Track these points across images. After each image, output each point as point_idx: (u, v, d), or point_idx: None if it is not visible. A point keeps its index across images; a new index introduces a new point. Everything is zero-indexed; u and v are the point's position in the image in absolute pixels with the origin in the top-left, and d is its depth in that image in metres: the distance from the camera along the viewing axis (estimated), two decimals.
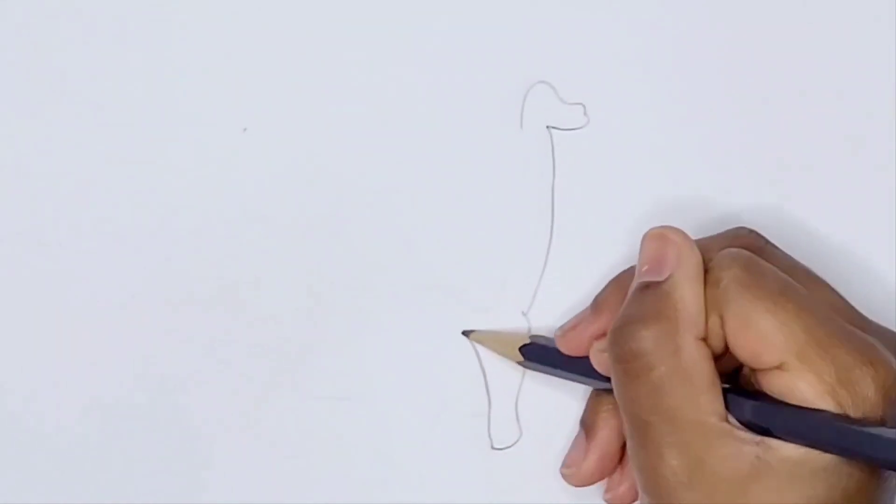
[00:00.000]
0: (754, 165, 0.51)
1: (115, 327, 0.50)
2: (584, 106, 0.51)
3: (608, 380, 0.46)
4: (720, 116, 0.51)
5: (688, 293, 0.45)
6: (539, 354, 0.49)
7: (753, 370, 0.45)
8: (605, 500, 0.49)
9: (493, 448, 0.50)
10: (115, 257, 0.50)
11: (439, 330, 0.50)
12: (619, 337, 0.45)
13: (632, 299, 0.45)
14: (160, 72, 0.50)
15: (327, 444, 0.50)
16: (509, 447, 0.50)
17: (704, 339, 0.45)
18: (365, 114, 0.50)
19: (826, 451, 0.43)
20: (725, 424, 0.44)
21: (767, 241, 0.48)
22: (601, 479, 0.49)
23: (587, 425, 0.49)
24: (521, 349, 0.49)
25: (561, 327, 0.48)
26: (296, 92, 0.50)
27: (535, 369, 0.49)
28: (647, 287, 0.45)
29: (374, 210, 0.50)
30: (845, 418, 0.43)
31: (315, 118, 0.50)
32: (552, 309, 0.50)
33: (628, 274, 0.47)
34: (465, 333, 0.50)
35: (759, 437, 0.43)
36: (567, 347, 0.48)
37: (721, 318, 0.44)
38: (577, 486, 0.49)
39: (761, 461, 0.43)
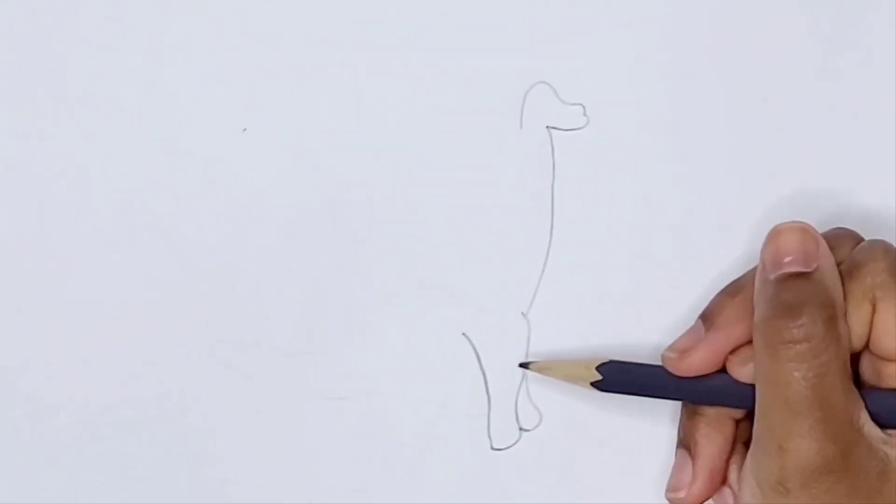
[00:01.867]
0: (754, 165, 0.51)
1: (115, 327, 0.50)
2: (583, 106, 0.50)
3: (718, 397, 0.46)
4: (720, 116, 0.51)
5: (836, 284, 0.45)
6: (619, 375, 0.48)
7: (879, 360, 0.45)
8: (674, 501, 0.48)
9: (493, 448, 0.50)
10: (115, 257, 0.50)
11: (439, 330, 0.50)
12: (783, 322, 0.44)
13: (780, 287, 0.45)
14: (160, 72, 0.50)
15: (327, 444, 0.50)
16: (509, 447, 0.50)
17: None
18: (365, 114, 0.50)
19: None
20: (867, 416, 0.44)
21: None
22: (709, 497, 0.48)
23: (689, 445, 0.48)
24: (598, 369, 0.48)
25: (672, 349, 0.47)
26: (296, 92, 0.50)
27: (611, 391, 0.48)
28: (795, 277, 0.45)
29: (374, 210, 0.50)
30: None
31: (315, 118, 0.50)
32: (552, 309, 0.50)
33: (738, 286, 0.47)
34: (524, 366, 0.50)
35: (886, 435, 0.44)
36: (683, 370, 0.47)
37: (873, 307, 0.45)
38: None
39: (890, 458, 0.44)
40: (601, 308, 0.50)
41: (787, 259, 0.45)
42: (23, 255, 0.50)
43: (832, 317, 0.44)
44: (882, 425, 0.45)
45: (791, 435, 0.44)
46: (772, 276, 0.45)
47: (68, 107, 0.50)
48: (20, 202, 0.50)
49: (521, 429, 0.50)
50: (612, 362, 0.48)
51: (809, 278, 0.45)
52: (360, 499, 0.50)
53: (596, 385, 0.48)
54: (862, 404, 0.45)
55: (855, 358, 0.46)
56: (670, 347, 0.47)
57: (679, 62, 0.51)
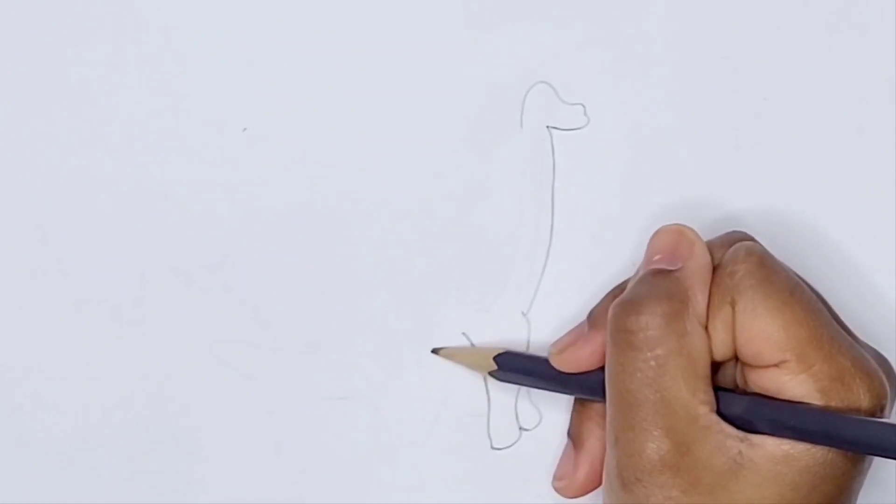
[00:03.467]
0: (755, 166, 0.51)
1: (114, 327, 0.50)
2: (584, 106, 0.50)
3: (595, 392, 0.46)
4: (720, 116, 0.51)
5: (698, 285, 0.45)
6: (513, 365, 0.49)
7: (746, 366, 0.45)
8: (558, 489, 0.49)
9: (493, 448, 0.50)
10: (115, 257, 0.50)
11: (439, 330, 0.50)
12: (626, 311, 0.45)
13: (640, 281, 0.46)
14: (161, 72, 0.50)
15: (327, 443, 0.50)
16: (509, 447, 0.50)
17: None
18: (365, 114, 0.50)
19: (814, 441, 0.43)
20: (714, 416, 0.44)
21: (762, 247, 0.47)
22: (594, 489, 0.48)
23: (574, 436, 0.49)
24: (495, 359, 0.49)
25: (556, 344, 0.48)
26: (296, 92, 0.50)
27: (506, 380, 0.49)
28: (657, 273, 0.46)
29: (374, 210, 0.50)
30: (834, 409, 0.43)
31: (315, 118, 0.50)
32: (552, 309, 0.50)
33: (623, 287, 0.47)
34: (435, 351, 0.50)
35: (743, 434, 0.44)
36: (564, 365, 0.48)
37: (733, 308, 0.45)
38: (570, 497, 0.49)
39: (744, 457, 0.43)
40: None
41: (657, 257, 0.46)
42: (22, 255, 0.50)
43: (678, 311, 0.44)
44: (741, 428, 0.44)
45: (625, 426, 0.44)
46: (640, 273, 0.46)
47: (68, 106, 0.50)
48: (20, 201, 0.50)
49: (521, 429, 0.50)
50: (507, 353, 0.49)
51: (668, 275, 0.45)
52: (360, 498, 0.50)
53: (492, 374, 0.49)
54: (712, 405, 0.44)
55: (733, 365, 0.46)
56: (554, 343, 0.48)
57: (679, 62, 0.51)
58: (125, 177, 0.50)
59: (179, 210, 0.50)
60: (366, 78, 0.50)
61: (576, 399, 0.49)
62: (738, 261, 0.45)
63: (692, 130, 0.51)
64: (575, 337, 0.48)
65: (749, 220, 0.50)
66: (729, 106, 0.51)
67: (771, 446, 0.43)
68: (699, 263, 0.46)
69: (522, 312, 0.50)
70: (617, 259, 0.50)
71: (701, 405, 0.44)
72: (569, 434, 0.49)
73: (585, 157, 0.51)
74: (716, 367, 0.46)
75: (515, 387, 0.50)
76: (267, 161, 0.50)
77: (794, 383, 0.44)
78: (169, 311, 0.50)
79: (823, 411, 0.43)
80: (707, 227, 0.50)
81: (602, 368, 0.46)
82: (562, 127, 0.50)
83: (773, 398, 0.44)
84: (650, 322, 0.44)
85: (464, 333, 0.50)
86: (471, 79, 0.50)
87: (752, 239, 0.47)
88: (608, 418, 0.45)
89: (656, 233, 0.47)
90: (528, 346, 0.50)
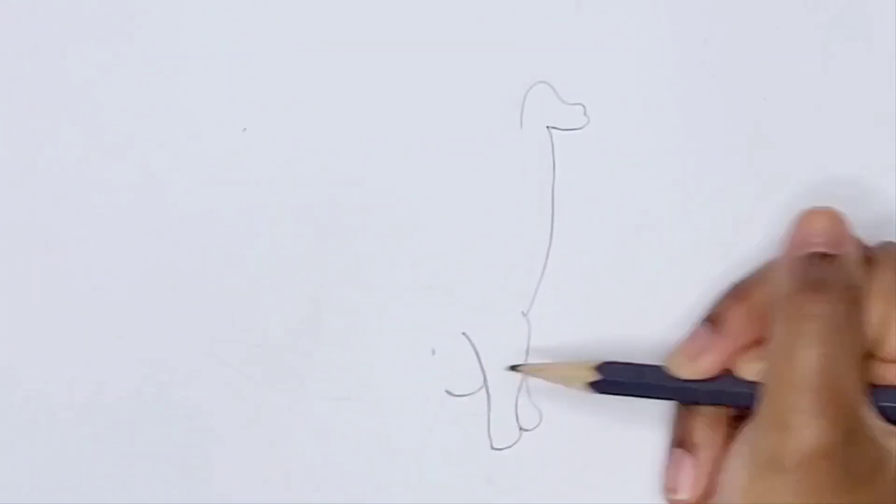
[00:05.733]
0: (754, 165, 0.51)
1: (115, 328, 0.50)
2: (584, 106, 0.50)
3: (717, 397, 0.46)
4: (719, 116, 0.51)
5: (861, 274, 0.45)
6: (619, 376, 0.48)
7: (884, 364, 0.45)
8: (676, 501, 0.48)
9: (493, 448, 0.50)
10: (115, 257, 0.50)
11: (439, 330, 0.50)
12: (807, 297, 0.44)
13: (806, 266, 0.45)
14: (161, 72, 0.50)
15: (327, 444, 0.50)
16: (509, 447, 0.50)
17: None
18: (365, 114, 0.50)
19: None
20: (871, 409, 0.45)
21: None
22: (711, 498, 0.48)
23: (687, 444, 0.48)
24: (598, 368, 0.48)
25: (681, 352, 0.47)
26: (296, 92, 0.50)
27: (608, 392, 0.48)
28: (822, 257, 0.45)
29: (374, 210, 0.50)
30: None
31: (315, 118, 0.50)
32: (552, 309, 0.50)
33: (745, 290, 0.47)
34: (515, 368, 0.50)
35: (893, 428, 0.44)
36: (696, 373, 0.47)
37: (892, 307, 0.45)
38: None
39: (894, 452, 0.44)
40: (601, 308, 0.50)
41: (817, 239, 0.46)
42: (22, 254, 0.50)
43: (855, 300, 0.44)
44: (891, 421, 0.45)
45: (795, 412, 0.44)
46: (799, 254, 0.46)
47: (67, 105, 0.50)
48: (20, 200, 0.50)
49: (521, 429, 0.50)
50: (608, 363, 0.48)
51: (835, 261, 0.45)
52: (359, 499, 0.50)
53: (593, 386, 0.48)
54: (870, 397, 0.45)
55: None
56: (679, 352, 0.47)
57: (679, 61, 0.51)
58: (125, 177, 0.50)
59: (179, 209, 0.50)
60: (365, 78, 0.50)
61: (678, 405, 0.49)
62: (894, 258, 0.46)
63: (692, 130, 0.51)
64: (701, 345, 0.47)
65: (750, 220, 0.50)
66: (729, 106, 0.51)
67: None
68: (859, 251, 0.46)
69: (522, 312, 0.50)
70: (617, 259, 0.50)
71: (862, 397, 0.44)
72: (676, 443, 0.48)
73: (585, 157, 0.50)
74: None
75: (516, 387, 0.50)
76: (267, 161, 0.50)
77: None
78: (169, 311, 0.50)
79: None
80: (708, 227, 0.50)
81: (727, 373, 0.47)
82: (562, 127, 0.50)
83: None
84: (833, 309, 0.44)
85: (464, 333, 0.50)
86: (471, 78, 0.50)
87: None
88: (768, 403, 0.44)
89: (808, 213, 0.46)
90: (528, 346, 0.50)
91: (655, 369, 0.48)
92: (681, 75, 0.51)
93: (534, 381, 0.50)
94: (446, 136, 0.50)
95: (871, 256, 0.46)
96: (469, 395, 0.50)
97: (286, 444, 0.50)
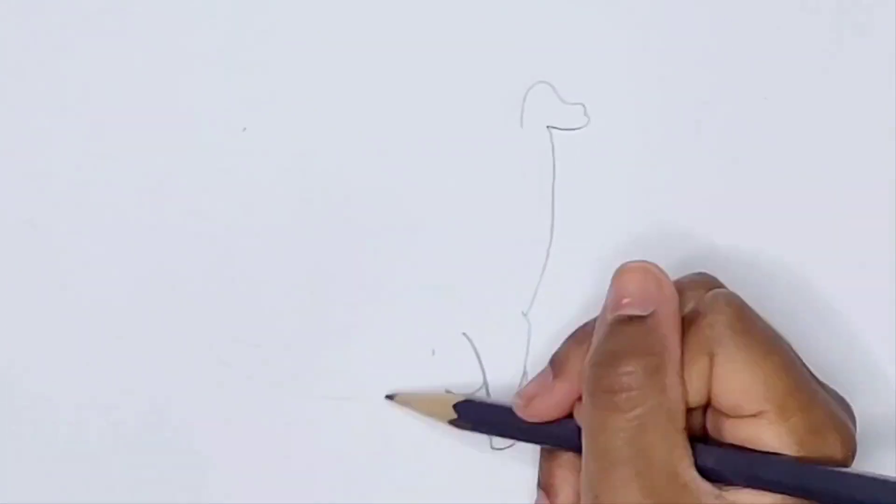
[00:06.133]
0: (755, 165, 0.51)
1: (113, 328, 0.50)
2: (584, 106, 0.50)
3: (565, 441, 0.46)
4: (720, 115, 0.51)
5: (672, 333, 0.44)
6: (476, 414, 0.48)
7: (721, 416, 0.44)
8: None
9: (493, 448, 0.50)
10: (114, 257, 0.50)
11: (439, 330, 0.50)
12: (604, 370, 0.44)
13: (612, 332, 0.45)
14: (161, 71, 0.50)
15: (327, 444, 0.50)
16: (509, 447, 0.50)
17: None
18: (365, 113, 0.50)
19: (789, 493, 0.43)
20: (692, 471, 0.43)
21: (739, 296, 0.46)
22: None
23: (547, 487, 0.48)
24: (455, 407, 0.48)
25: (521, 394, 0.47)
26: (296, 92, 0.50)
27: (468, 429, 0.49)
28: (628, 321, 0.44)
29: (373, 209, 0.50)
30: (811, 461, 0.43)
31: (315, 118, 0.50)
32: (552, 309, 0.50)
33: (586, 333, 0.46)
34: (389, 397, 0.50)
35: (718, 491, 0.43)
36: (532, 416, 0.47)
37: (711, 360, 0.44)
38: None
39: None
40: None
41: (625, 301, 0.45)
42: (19, 255, 0.50)
43: (658, 366, 0.43)
44: (714, 480, 0.44)
45: (606, 487, 0.43)
46: (609, 318, 0.45)
47: (66, 105, 0.50)
48: (18, 201, 0.50)
49: None
50: (467, 401, 0.48)
51: (643, 323, 0.44)
52: (359, 498, 0.50)
53: (453, 423, 0.48)
54: (690, 459, 0.43)
55: (702, 410, 0.45)
56: (519, 393, 0.47)
57: (679, 61, 0.51)
58: (124, 176, 0.50)
59: (179, 209, 0.50)
60: (365, 78, 0.50)
61: (542, 448, 0.49)
62: (717, 311, 0.44)
63: (692, 130, 0.51)
64: (540, 387, 0.47)
65: (750, 221, 0.50)
66: (729, 105, 0.51)
67: (746, 499, 0.43)
68: (671, 307, 0.44)
69: (522, 312, 0.50)
70: (617, 260, 0.49)
71: (679, 461, 0.43)
72: (539, 485, 0.48)
73: (586, 157, 0.50)
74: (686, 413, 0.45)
75: (515, 387, 0.50)
76: (267, 161, 0.50)
77: (771, 435, 0.43)
78: (168, 311, 0.50)
79: (797, 462, 0.43)
80: (709, 227, 0.50)
81: (570, 416, 0.46)
82: (562, 127, 0.50)
83: (747, 449, 0.44)
84: (631, 381, 0.43)
85: (464, 334, 0.50)
86: (471, 78, 0.50)
87: (721, 285, 0.46)
88: (586, 474, 0.44)
89: (621, 271, 0.45)
90: (527, 347, 0.50)
91: (508, 410, 0.48)
92: (681, 75, 0.51)
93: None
94: (446, 136, 0.50)
95: (691, 310, 0.45)
96: (469, 394, 0.50)
97: (286, 445, 0.50)
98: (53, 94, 0.50)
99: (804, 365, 0.45)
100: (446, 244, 0.50)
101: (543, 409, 0.47)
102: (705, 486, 0.43)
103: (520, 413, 0.47)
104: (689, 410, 0.45)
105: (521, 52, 0.50)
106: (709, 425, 0.45)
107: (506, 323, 0.50)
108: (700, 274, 0.47)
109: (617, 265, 0.48)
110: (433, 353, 0.50)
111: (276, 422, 0.50)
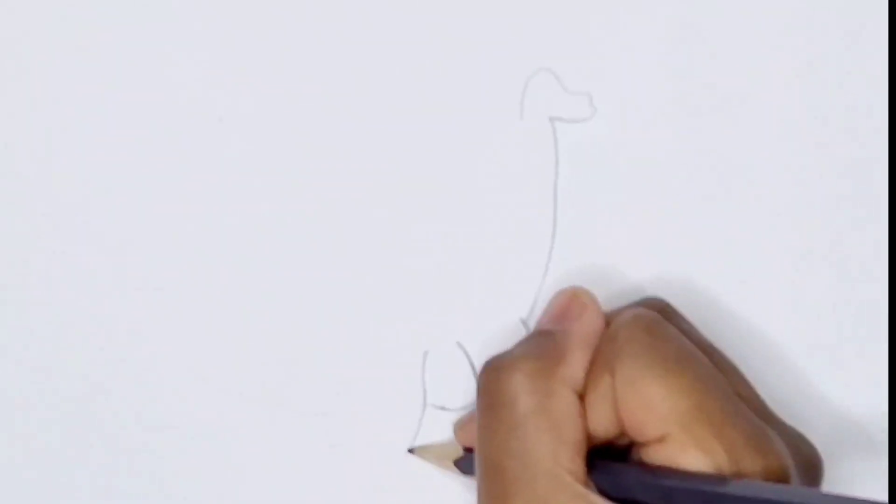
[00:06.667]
0: (766, 161, 0.50)
1: (110, 328, 0.50)
2: (590, 95, 0.50)
3: None
4: (734, 108, 0.50)
5: (578, 349, 0.45)
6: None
7: (636, 444, 0.44)
8: None
9: None
10: (109, 258, 0.50)
11: (439, 330, 0.50)
12: (492, 371, 0.45)
13: (519, 342, 0.46)
14: (160, 71, 0.50)
15: (326, 444, 0.50)
16: None
17: (582, 398, 0.44)
18: (361, 108, 0.50)
19: None
20: (580, 486, 0.43)
21: (675, 314, 0.47)
22: None
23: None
24: (456, 463, 0.49)
25: (456, 423, 0.48)
26: (292, 86, 0.50)
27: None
28: (539, 333, 0.46)
29: (371, 209, 0.50)
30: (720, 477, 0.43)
31: (310, 112, 0.50)
32: None
33: None
34: (411, 451, 0.50)
35: None
36: (466, 442, 0.48)
37: (612, 377, 0.44)
38: None
39: None
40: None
41: (545, 318, 0.47)
42: (21, 254, 0.50)
43: (541, 370, 0.44)
44: (614, 499, 0.43)
45: (490, 496, 0.44)
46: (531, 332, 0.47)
47: (59, 104, 0.50)
48: (15, 201, 0.50)
49: None
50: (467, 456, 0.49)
51: (547, 335, 0.46)
52: (358, 500, 0.50)
53: (458, 466, 0.49)
54: (578, 474, 0.43)
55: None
56: (455, 421, 0.49)
57: (691, 49, 0.50)
58: (123, 177, 0.50)
59: (171, 212, 0.50)
60: (360, 69, 0.50)
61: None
62: (621, 326, 0.45)
63: (704, 122, 0.50)
64: (470, 415, 0.48)
65: (758, 223, 0.50)
66: (741, 99, 0.50)
67: None
68: (585, 327, 0.45)
69: (521, 319, 0.50)
70: (624, 263, 0.50)
71: (565, 472, 0.43)
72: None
73: (592, 151, 0.50)
74: (607, 445, 0.45)
75: None
76: (262, 161, 0.50)
77: (684, 459, 0.43)
78: (166, 315, 0.50)
79: (704, 477, 0.42)
80: (713, 228, 0.50)
81: None
82: (566, 118, 0.50)
83: (650, 466, 0.43)
84: (511, 380, 0.44)
85: (458, 343, 0.50)
86: (468, 67, 0.50)
87: (666, 308, 0.47)
88: (476, 489, 0.45)
89: (553, 295, 0.47)
90: None
91: None
92: (693, 63, 0.50)
93: None
94: (443, 129, 0.50)
95: (612, 323, 0.46)
96: (468, 395, 0.49)
97: (285, 446, 0.50)
98: (47, 93, 0.50)
99: (733, 391, 0.45)
100: (446, 244, 0.50)
101: (472, 437, 0.47)
102: (598, 501, 0.43)
103: (457, 440, 0.48)
104: (612, 443, 0.45)
105: (521, 37, 0.50)
106: (635, 459, 0.45)
107: (503, 330, 0.50)
108: (649, 298, 0.48)
109: (626, 270, 0.50)
110: (426, 359, 0.50)
111: (275, 422, 0.50)
